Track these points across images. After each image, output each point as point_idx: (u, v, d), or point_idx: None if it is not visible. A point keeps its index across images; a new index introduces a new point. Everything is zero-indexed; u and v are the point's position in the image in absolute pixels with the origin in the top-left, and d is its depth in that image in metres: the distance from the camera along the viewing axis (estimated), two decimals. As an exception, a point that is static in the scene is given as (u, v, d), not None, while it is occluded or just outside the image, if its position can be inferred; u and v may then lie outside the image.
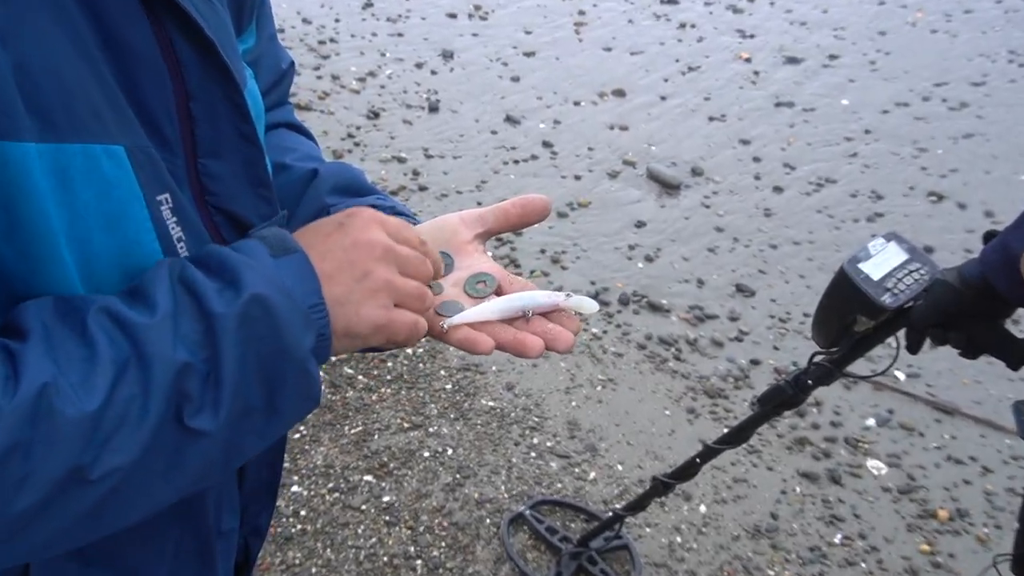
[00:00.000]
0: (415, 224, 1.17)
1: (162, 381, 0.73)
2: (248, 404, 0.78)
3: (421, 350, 3.91)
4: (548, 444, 3.50)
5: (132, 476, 0.73)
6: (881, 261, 1.78)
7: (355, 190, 1.23)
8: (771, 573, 3.02)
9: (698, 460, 2.37)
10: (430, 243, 1.06)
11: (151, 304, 0.76)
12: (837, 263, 5.01)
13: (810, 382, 2.03)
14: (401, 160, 5.76)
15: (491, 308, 1.02)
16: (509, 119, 6.43)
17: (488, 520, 3.07)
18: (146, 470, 0.74)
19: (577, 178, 5.80)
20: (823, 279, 4.80)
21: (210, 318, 0.76)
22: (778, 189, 5.87)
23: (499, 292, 1.08)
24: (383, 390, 3.64)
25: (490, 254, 4.57)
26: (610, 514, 2.79)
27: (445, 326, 1.01)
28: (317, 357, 0.84)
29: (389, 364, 3.79)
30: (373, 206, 1.20)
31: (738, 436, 2.25)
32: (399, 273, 0.92)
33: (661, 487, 2.50)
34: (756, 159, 6.24)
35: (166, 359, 0.73)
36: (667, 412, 3.79)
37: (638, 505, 2.63)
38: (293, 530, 2.92)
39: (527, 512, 3.04)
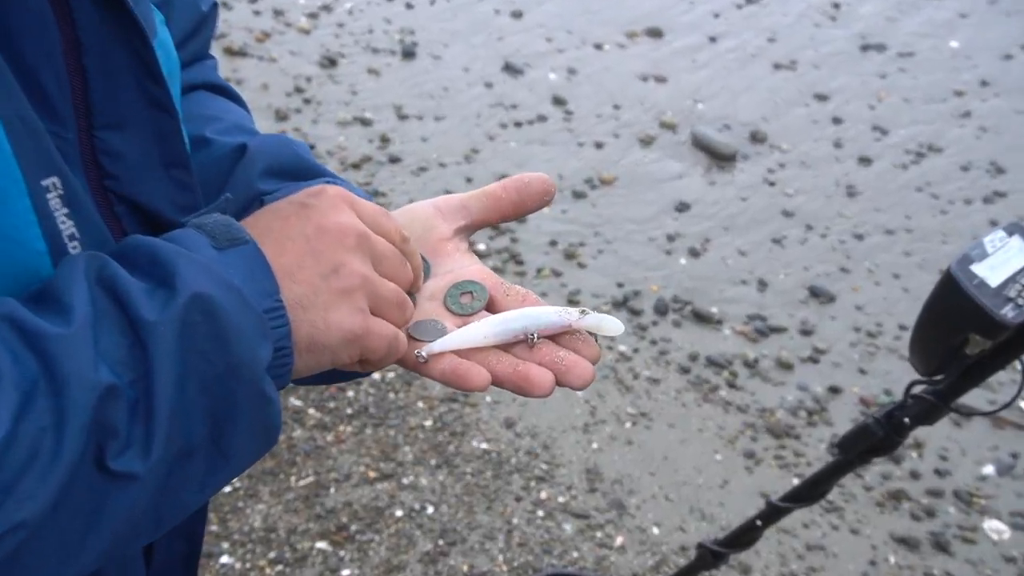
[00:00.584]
0: None
1: (80, 410, 0.71)
2: (188, 440, 0.78)
3: (392, 375, 3.91)
4: (561, 500, 3.50)
5: (40, 534, 0.71)
6: (1001, 261, 1.78)
7: (297, 171, 1.22)
8: (856, 671, 3.04)
9: (759, 522, 2.37)
10: None
11: (64, 311, 0.74)
12: (944, 260, 5.04)
13: (908, 420, 2.03)
14: (365, 122, 5.76)
15: (483, 330, 1.01)
16: (509, 68, 6.43)
17: (481, 601, 3.09)
18: (58, 527, 0.72)
19: (599, 146, 5.81)
20: (926, 281, 4.84)
21: (139, 328, 0.75)
22: (865, 160, 5.89)
23: (491, 307, 1.07)
24: (342, 428, 3.65)
25: (482, 247, 4.57)
26: None
27: (424, 355, 0.99)
28: (275, 378, 0.84)
29: (350, 394, 3.80)
30: None
31: (812, 491, 2.26)
32: (375, 270, 0.93)
33: (710, 557, 2.51)
34: (836, 120, 6.26)
35: (85, 381, 0.71)
36: (718, 457, 3.80)
37: None
38: (222, 615, 2.93)
39: None
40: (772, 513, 2.33)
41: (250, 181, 1.18)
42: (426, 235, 1.14)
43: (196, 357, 0.77)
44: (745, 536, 2.42)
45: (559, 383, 1.00)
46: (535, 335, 1.02)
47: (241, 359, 0.79)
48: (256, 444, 0.84)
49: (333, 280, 0.88)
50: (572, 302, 4.49)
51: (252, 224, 0.91)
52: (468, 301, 1.06)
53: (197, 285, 0.78)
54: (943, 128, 6.26)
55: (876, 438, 2.07)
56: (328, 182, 1.21)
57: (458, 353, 1.01)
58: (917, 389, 2.01)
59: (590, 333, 1.05)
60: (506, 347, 1.02)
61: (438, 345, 1.00)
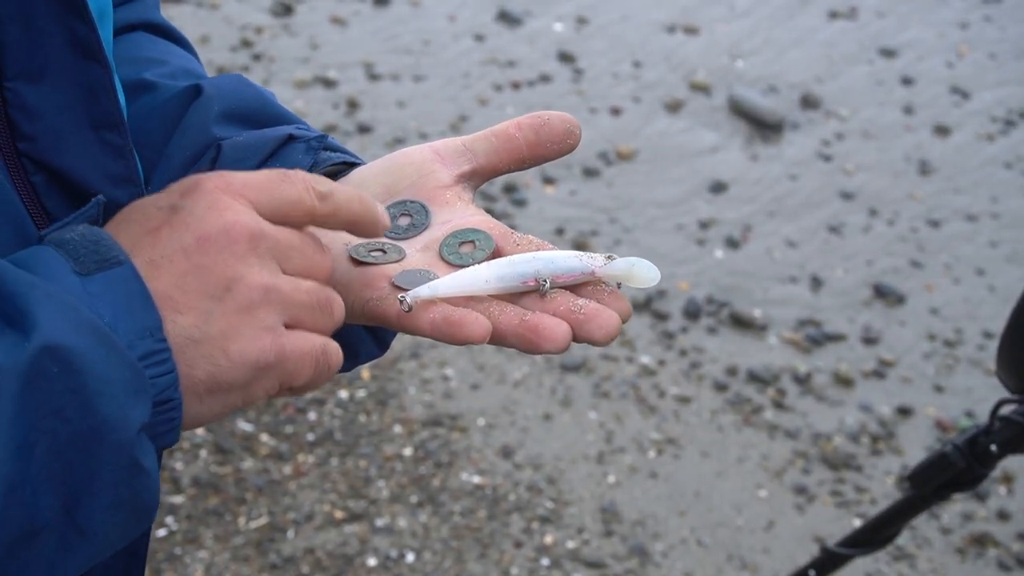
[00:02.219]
0: (352, 169, 1.18)
1: None
2: (32, 518, 0.74)
3: (363, 393, 3.94)
4: (570, 545, 3.53)
5: None
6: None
7: (260, 116, 1.21)
8: None
9: (812, 573, 2.40)
10: (385, 189, 1.08)
11: None
12: (1038, 250, 5.10)
13: (995, 447, 2.04)
14: (329, 83, 5.79)
15: (484, 274, 0.99)
16: (505, 16, 6.47)
17: (473, 669, 3.12)
18: None
19: (615, 112, 5.84)
20: (1015, 277, 4.88)
21: None
22: (942, 130, 5.93)
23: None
24: (301, 458, 3.67)
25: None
26: None
27: (408, 302, 0.97)
28: (157, 439, 0.81)
29: (311, 416, 3.83)
30: (292, 137, 1.20)
31: (877, 534, 2.28)
32: (282, 271, 0.88)
33: None
34: (906, 81, 6.30)
35: None
36: (762, 493, 3.83)
37: None
38: None
39: None
40: (828, 561, 2.35)
41: (205, 125, 1.18)
42: (421, 182, 1.11)
43: (47, 416, 0.74)
44: None
45: (576, 337, 0.96)
46: (547, 282, 0.99)
47: (106, 419, 0.76)
48: (123, 521, 0.81)
49: (227, 300, 0.83)
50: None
51: (116, 233, 0.86)
52: (469, 251, 1.04)
53: (53, 331, 0.74)
54: (1037, 90, 6.31)
55: (956, 469, 2.08)
56: (298, 128, 1.20)
57: (452, 302, 0.98)
58: (1006, 409, 2.03)
59: (618, 285, 1.02)
60: (513, 298, 1.00)
61: (426, 290, 0.97)
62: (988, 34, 6.75)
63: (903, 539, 3.70)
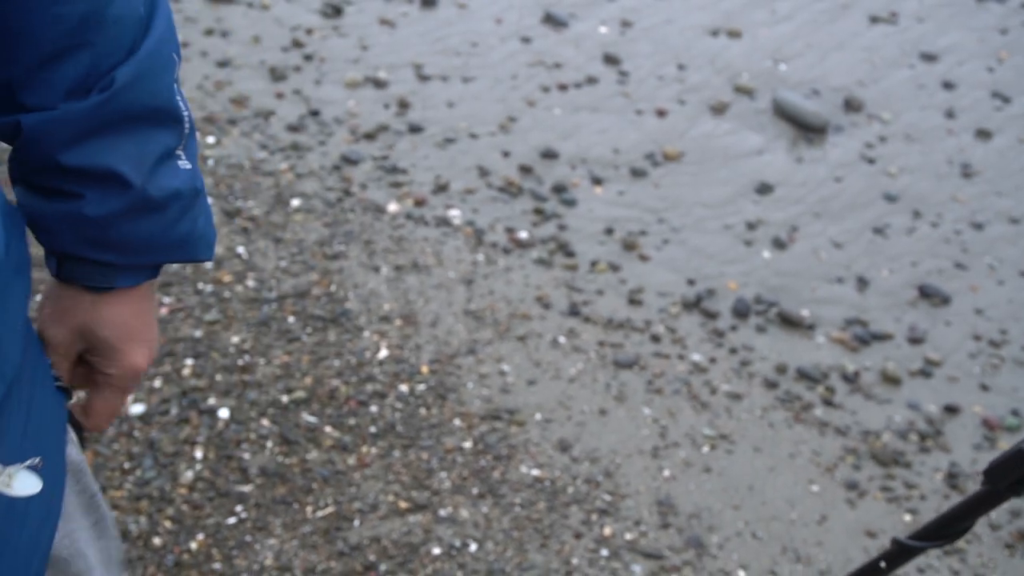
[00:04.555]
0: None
1: None
2: None
3: (423, 387, 4.01)
4: (628, 536, 3.59)
5: None
6: None
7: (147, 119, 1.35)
8: None
9: (883, 564, 2.41)
10: None
11: None
12: (1082, 252, 5.15)
13: None
14: (379, 84, 5.86)
15: None
16: (551, 19, 6.53)
17: (537, 655, 3.18)
18: None
19: (661, 114, 5.90)
20: (1060, 278, 4.92)
21: None
22: (984, 134, 5.97)
23: None
24: (365, 450, 3.74)
25: (524, 235, 4.64)
26: None
27: None
28: None
29: (373, 409, 3.90)
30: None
31: (950, 528, 2.29)
32: None
33: None
34: (947, 85, 6.34)
35: None
36: (814, 488, 3.88)
37: None
38: (232, 668, 3.03)
39: None
40: (900, 553, 2.36)
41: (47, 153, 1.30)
42: None
43: None
44: None
45: None
46: None
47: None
48: None
49: None
50: (634, 302, 4.59)
51: None
52: None
53: None
54: (1078, 95, 6.35)
55: None
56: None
57: None
58: None
59: None
60: None
61: None
62: (1028, 39, 6.81)
63: (953, 534, 3.76)
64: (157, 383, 3.82)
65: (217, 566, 3.30)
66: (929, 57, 6.58)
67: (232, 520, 3.44)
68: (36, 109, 1.26)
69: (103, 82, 1.27)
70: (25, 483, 1.05)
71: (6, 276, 1.13)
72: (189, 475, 3.54)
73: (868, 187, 5.52)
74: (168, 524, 3.37)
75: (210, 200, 4.59)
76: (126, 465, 3.52)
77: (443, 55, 6.17)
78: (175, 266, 4.36)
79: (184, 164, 1.36)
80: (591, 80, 6.11)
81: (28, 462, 1.05)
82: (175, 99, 1.33)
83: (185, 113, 1.34)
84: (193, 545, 3.33)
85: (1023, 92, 6.34)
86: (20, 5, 1.22)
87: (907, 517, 3.81)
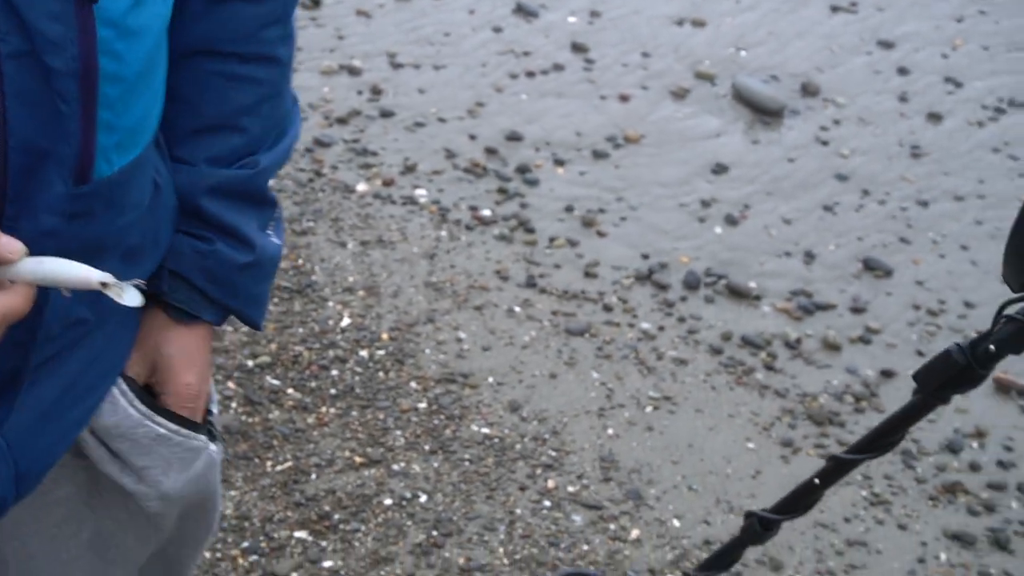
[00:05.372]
0: None
1: None
2: None
3: (382, 352, 4.17)
4: (570, 489, 3.76)
5: None
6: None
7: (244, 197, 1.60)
8: (897, 675, 3.28)
9: (817, 480, 2.47)
10: None
11: None
12: (1020, 227, 5.27)
13: (993, 348, 2.02)
14: (354, 71, 6.03)
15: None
16: (521, 9, 6.69)
17: (478, 596, 3.34)
18: None
19: (624, 99, 6.06)
20: (997, 252, 5.04)
21: None
22: (935, 117, 6.13)
23: None
24: (324, 410, 3.91)
25: (487, 213, 4.77)
26: None
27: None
28: None
29: (334, 373, 4.06)
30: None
31: (882, 439, 2.33)
32: None
33: (759, 527, 2.61)
34: (902, 71, 6.50)
35: None
36: (751, 445, 4.05)
37: (720, 561, 2.79)
38: (190, 606, 3.19)
39: None
40: (835, 468, 2.37)
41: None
42: None
43: None
44: (802, 499, 2.48)
45: None
46: None
47: None
48: None
49: None
50: (589, 275, 4.76)
51: None
52: None
53: None
54: (1029, 79, 6.50)
55: (958, 369, 2.06)
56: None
57: None
58: (1011, 310, 1.98)
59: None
60: None
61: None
62: (982, 27, 6.95)
63: (880, 487, 3.92)
64: (129, 349, 3.98)
65: (180, 515, 3.47)
66: (886, 44, 6.73)
67: (196, 474, 3.61)
68: (179, 161, 1.53)
69: (250, 161, 1.54)
70: (133, 297, 1.23)
71: None
72: (156, 433, 3.70)
73: (820, 167, 5.68)
74: (135, 477, 3.54)
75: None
76: (97, 423, 3.69)
77: (417, 44, 6.33)
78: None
79: (275, 239, 1.62)
80: (558, 67, 6.27)
81: (135, 282, 1.22)
82: (272, 192, 1.61)
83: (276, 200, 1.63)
84: (158, 496, 3.50)
85: (975, 77, 6.49)
86: (193, 78, 1.50)
87: (837, 472, 3.96)
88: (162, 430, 1.56)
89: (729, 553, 2.69)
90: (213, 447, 1.67)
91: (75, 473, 1.60)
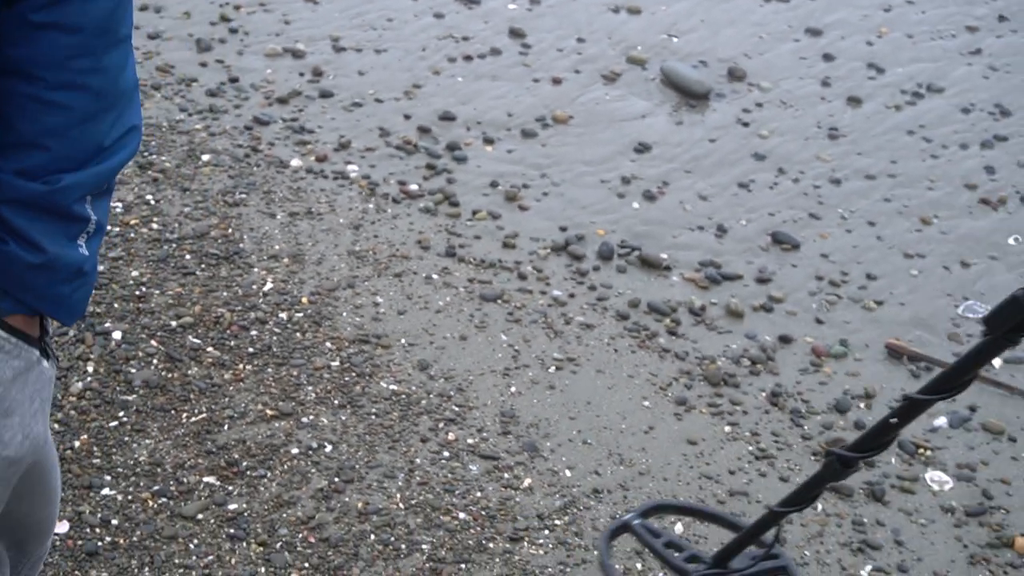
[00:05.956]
0: None
1: None
2: None
3: (300, 315, 4.34)
4: (470, 441, 3.93)
5: None
6: None
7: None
8: (763, 611, 3.45)
9: (894, 420, 2.56)
10: None
11: None
12: (927, 206, 5.48)
13: None
14: (297, 55, 6.20)
15: None
16: (462, -5, 6.86)
17: (373, 536, 3.50)
18: None
19: (556, 82, 6.24)
20: (903, 228, 5.27)
21: None
22: (854, 101, 6.31)
23: None
24: (241, 367, 4.07)
25: (414, 187, 4.96)
26: (765, 513, 3.05)
27: None
28: None
29: (253, 333, 4.23)
30: None
31: (956, 380, 2.39)
32: None
33: (838, 466, 2.71)
34: (827, 57, 6.68)
35: None
36: (646, 403, 4.22)
37: (801, 497, 2.91)
38: (99, 543, 3.35)
39: (636, 522, 3.38)
40: (910, 408, 2.47)
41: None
42: None
43: None
44: (878, 438, 2.57)
45: None
46: None
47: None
48: None
49: None
50: (508, 246, 4.93)
51: None
52: None
53: None
54: (948, 67, 6.68)
55: None
56: None
57: None
58: None
59: None
60: None
61: None
62: (908, 16, 7.13)
63: (766, 442, 4.10)
64: (59, 309, 4.15)
65: (96, 461, 3.64)
66: (814, 32, 6.91)
67: (114, 424, 3.78)
68: None
69: (51, 178, 1.67)
70: None
71: None
72: (79, 386, 3.87)
73: (739, 147, 5.85)
74: (56, 427, 3.71)
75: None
76: (23, 377, 3.86)
77: (360, 29, 6.50)
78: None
79: (84, 249, 1.76)
80: (495, 52, 6.44)
81: None
82: (87, 208, 1.73)
83: (94, 218, 1.75)
84: (76, 444, 3.67)
85: (897, 64, 6.67)
86: (7, 97, 1.64)
87: (727, 428, 4.14)
88: None
89: (810, 489, 2.78)
90: (45, 363, 1.84)
91: None
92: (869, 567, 3.68)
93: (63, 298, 1.76)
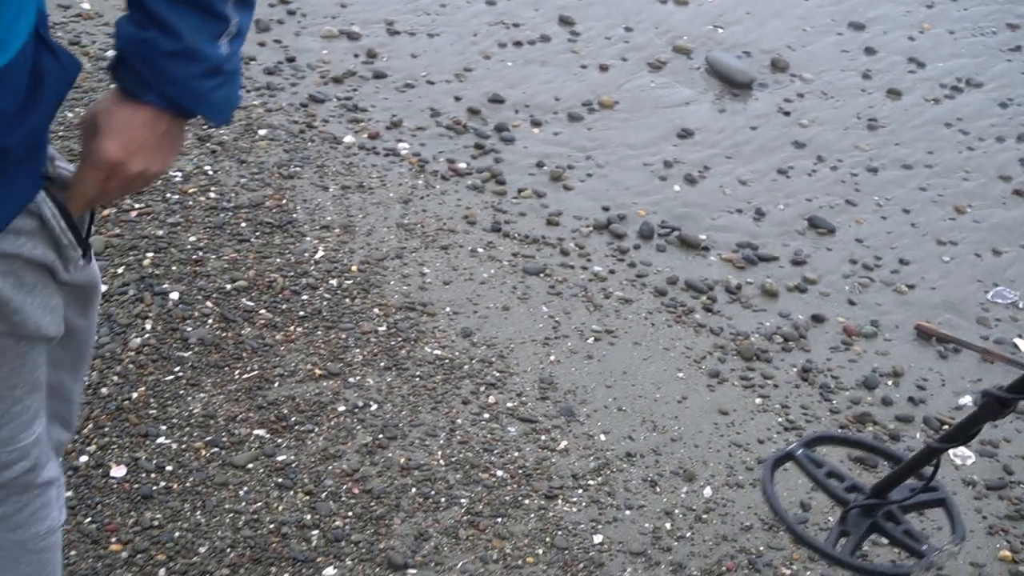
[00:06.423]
0: None
1: None
2: None
3: (350, 282, 4.46)
4: (509, 405, 4.04)
5: None
6: None
7: None
8: (787, 572, 3.55)
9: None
10: None
11: None
12: (962, 196, 5.55)
13: None
14: (352, 37, 6.32)
15: None
16: (514, -17, 6.97)
17: (414, 490, 3.62)
18: None
19: (603, 69, 6.34)
20: (936, 216, 5.34)
21: None
22: (894, 93, 6.38)
23: None
24: (292, 329, 4.20)
25: (463, 166, 5.05)
26: (924, 446, 3.15)
27: None
28: None
29: (304, 297, 4.36)
30: None
31: None
32: None
33: (997, 406, 2.82)
34: (869, 51, 6.74)
35: None
36: (680, 374, 4.32)
37: (960, 434, 3.00)
38: (154, 488, 3.48)
39: (799, 452, 3.50)
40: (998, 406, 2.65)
41: None
42: None
43: None
44: None
45: None
46: None
47: None
48: None
49: None
50: (551, 223, 5.04)
51: None
52: None
53: None
54: (987, 63, 6.74)
55: None
56: None
57: None
58: None
59: None
60: None
61: None
62: (950, 13, 7.19)
63: (795, 414, 4.19)
64: (120, 270, 4.29)
65: (152, 412, 3.77)
66: (857, 26, 6.98)
67: (170, 378, 3.92)
68: None
69: None
70: None
71: None
72: (137, 342, 4.01)
73: (780, 135, 5.94)
74: (115, 379, 3.85)
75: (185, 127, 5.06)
76: (85, 332, 4.00)
77: (413, 14, 6.62)
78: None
79: (224, 48, 1.80)
80: (544, 38, 6.55)
81: None
82: (228, 8, 1.77)
83: (235, 20, 1.79)
84: (134, 395, 3.81)
85: (937, 59, 6.74)
86: None
87: (758, 400, 4.24)
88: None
89: (969, 427, 2.90)
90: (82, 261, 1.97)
91: None
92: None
93: (204, 94, 1.81)
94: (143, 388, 3.84)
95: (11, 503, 2.17)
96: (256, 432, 3.76)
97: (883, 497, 3.23)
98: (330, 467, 3.67)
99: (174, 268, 4.37)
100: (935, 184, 5.69)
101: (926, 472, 3.16)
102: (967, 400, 4.40)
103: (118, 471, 3.52)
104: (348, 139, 5.44)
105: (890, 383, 4.45)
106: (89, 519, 3.35)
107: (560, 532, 3.56)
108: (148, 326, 4.09)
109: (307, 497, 3.55)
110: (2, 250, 1.77)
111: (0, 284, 1.80)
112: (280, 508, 3.50)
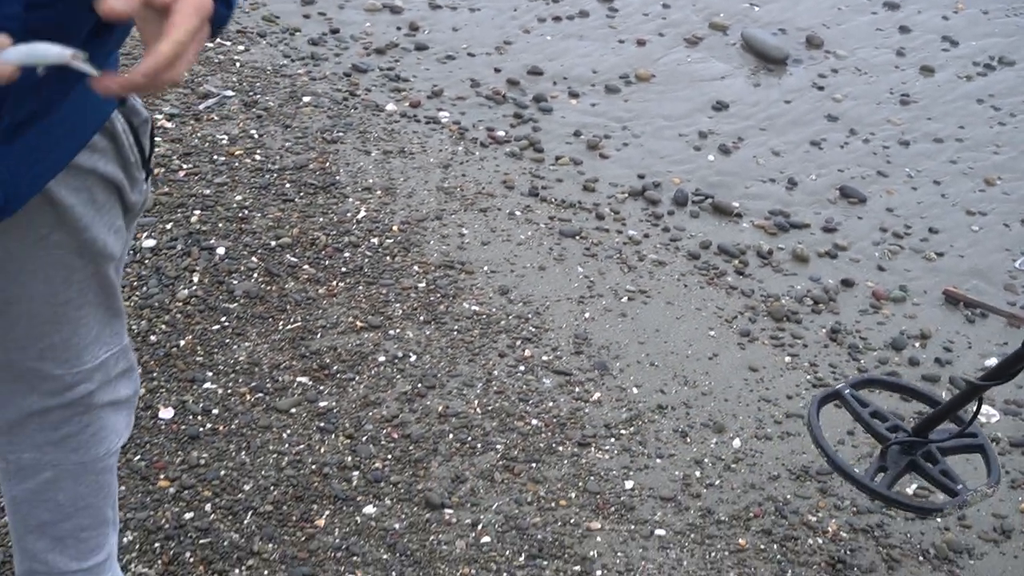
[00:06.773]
0: None
1: None
2: None
3: (391, 241, 4.55)
4: (544, 358, 4.12)
5: None
6: None
7: None
8: (812, 519, 3.62)
9: None
10: None
11: None
12: (992, 169, 5.60)
13: None
14: (395, 10, 6.41)
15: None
16: (553, -40, 7.05)
17: (451, 436, 3.71)
18: None
19: (640, 44, 6.41)
20: (966, 188, 5.39)
21: None
22: (927, 70, 6.42)
23: None
24: (335, 284, 4.29)
25: (501, 134, 5.14)
26: (966, 387, 3.22)
27: None
28: None
29: (346, 255, 4.45)
30: None
31: None
32: None
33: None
34: (903, 29, 6.78)
35: None
36: (711, 333, 4.39)
37: (1002, 372, 3.04)
38: (201, 429, 3.58)
39: (847, 391, 3.60)
40: None
41: None
42: None
43: None
44: None
45: None
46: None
47: None
48: None
49: None
50: (587, 189, 5.12)
51: None
52: None
53: None
54: (1020, 42, 6.78)
55: None
56: None
57: None
58: None
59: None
60: None
61: None
62: (987, -8, 7.25)
63: (823, 372, 4.26)
64: (168, 226, 4.39)
65: (199, 359, 3.87)
66: (892, 5, 7.03)
67: (216, 327, 4.01)
68: None
69: None
70: (92, 68, 1.48)
71: None
72: (185, 293, 4.11)
73: (813, 109, 6.00)
74: (163, 327, 3.95)
75: (232, 93, 5.18)
76: (134, 283, 4.11)
77: (455, -12, 6.72)
78: (195, 142, 4.94)
79: None
80: (583, 13, 6.62)
81: (82, 57, 1.44)
82: None
83: None
84: (182, 343, 3.91)
85: (971, 38, 6.78)
86: None
87: (787, 358, 4.31)
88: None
89: (1010, 366, 3.00)
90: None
91: (63, 223, 1.93)
92: (915, 485, 3.83)
93: (225, 16, 1.71)
94: (190, 336, 3.94)
95: (74, 423, 2.25)
96: (299, 379, 3.86)
97: (923, 436, 3.32)
98: (370, 413, 3.76)
99: (220, 225, 4.47)
100: (965, 157, 5.73)
101: (966, 417, 3.25)
102: (992, 361, 4.44)
103: (166, 413, 3.62)
104: (390, 107, 5.53)
105: (917, 345, 4.50)
106: (139, 457, 3.45)
107: (592, 477, 3.64)
108: (195, 279, 4.19)
109: (348, 440, 3.63)
110: (80, 163, 1.85)
111: (74, 200, 1.88)
112: (322, 450, 3.59)
